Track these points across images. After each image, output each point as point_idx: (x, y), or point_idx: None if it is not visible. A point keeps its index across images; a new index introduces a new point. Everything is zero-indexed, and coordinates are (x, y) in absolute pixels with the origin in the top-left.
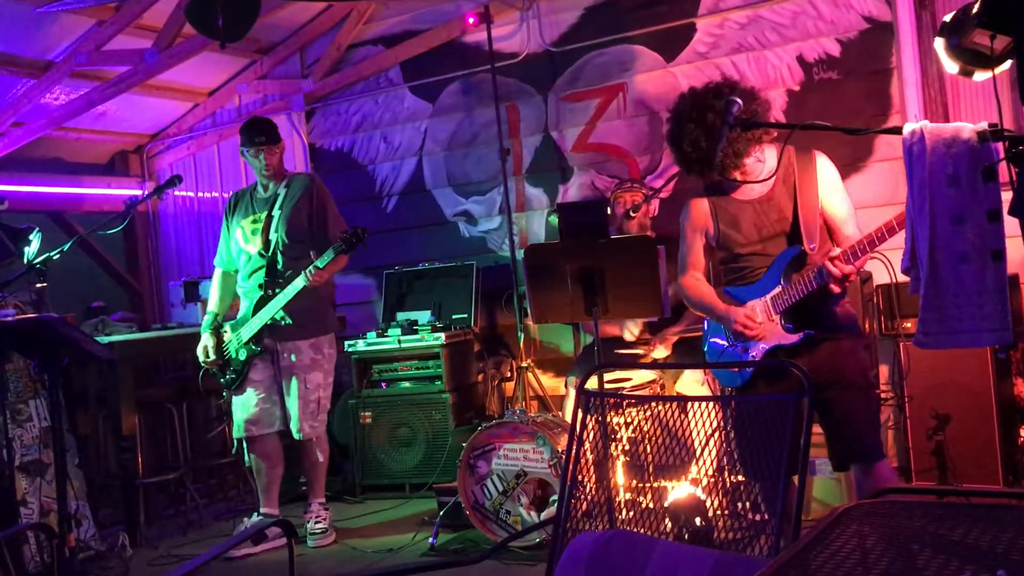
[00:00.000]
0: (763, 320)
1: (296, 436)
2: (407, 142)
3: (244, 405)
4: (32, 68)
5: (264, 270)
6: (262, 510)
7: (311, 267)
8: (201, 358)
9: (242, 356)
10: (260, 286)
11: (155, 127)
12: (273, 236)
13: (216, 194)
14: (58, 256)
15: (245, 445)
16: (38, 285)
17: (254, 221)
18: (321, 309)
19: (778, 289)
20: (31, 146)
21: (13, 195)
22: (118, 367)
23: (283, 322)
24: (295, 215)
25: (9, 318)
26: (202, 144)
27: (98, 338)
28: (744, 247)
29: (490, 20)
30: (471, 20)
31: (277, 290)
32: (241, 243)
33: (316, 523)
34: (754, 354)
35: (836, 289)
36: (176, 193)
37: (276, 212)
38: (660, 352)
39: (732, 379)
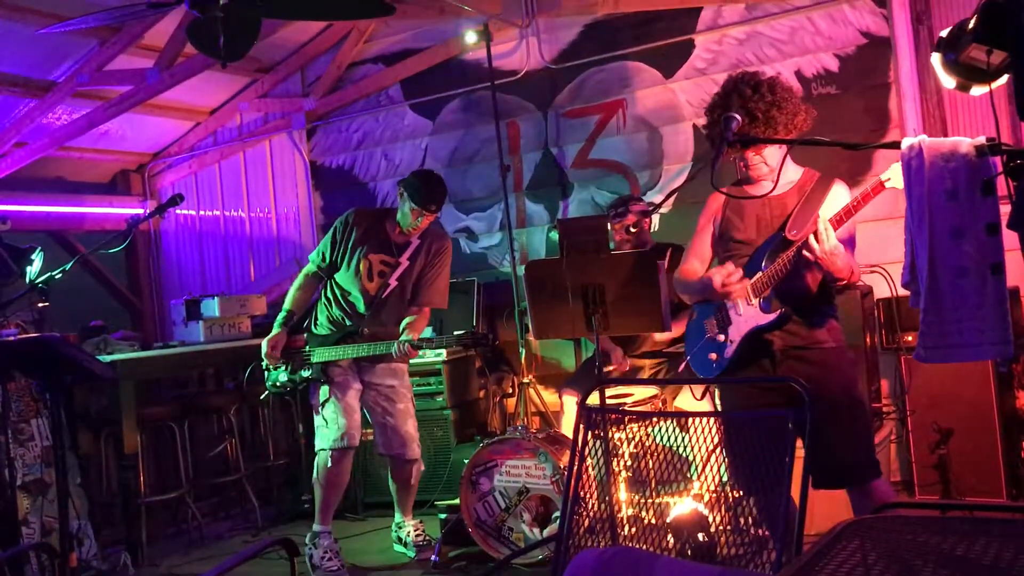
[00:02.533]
0: (742, 289)
1: (407, 456)
2: (408, 159)
3: (349, 411)
4: (34, 88)
5: (370, 312)
6: (322, 527)
7: (404, 341)
8: (266, 350)
9: (305, 373)
10: (358, 323)
11: (157, 146)
12: (395, 283)
13: (217, 212)
14: (60, 275)
15: (333, 455)
16: (40, 304)
17: (384, 263)
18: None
19: (759, 274)
20: (33, 166)
21: (15, 214)
22: (120, 386)
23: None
24: (418, 270)
25: (11, 337)
26: (203, 163)
27: (100, 357)
28: (741, 233)
29: (490, 38)
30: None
31: (375, 344)
32: (363, 276)
33: (418, 536)
34: (733, 339)
35: (816, 250)
36: (178, 212)
37: (407, 262)
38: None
39: (707, 369)
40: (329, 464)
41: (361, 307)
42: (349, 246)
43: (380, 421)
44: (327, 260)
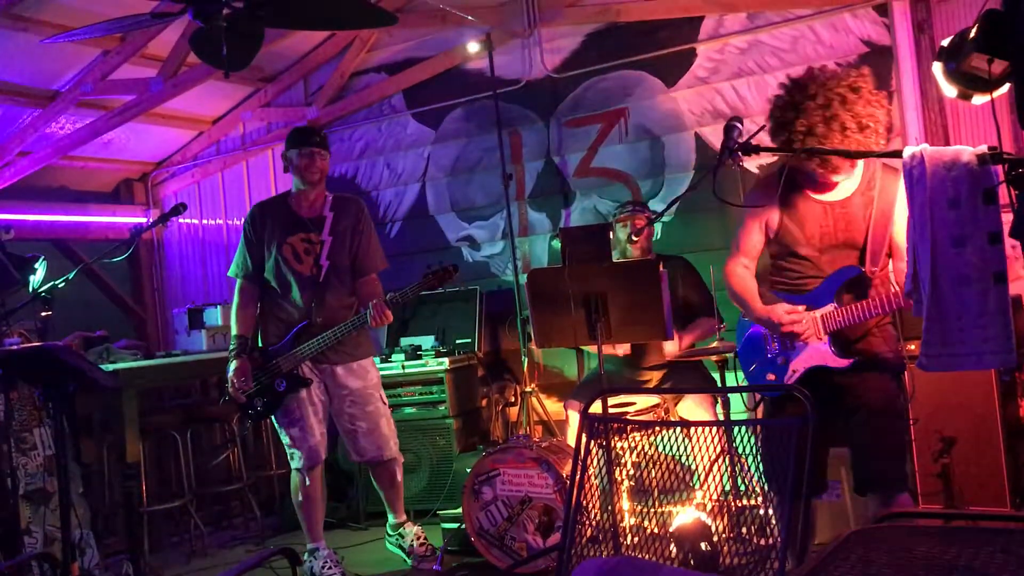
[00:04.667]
0: (811, 332)
1: (384, 457)
2: (410, 168)
3: (311, 430)
4: (38, 98)
5: (315, 298)
6: (315, 544)
7: (375, 303)
8: (235, 385)
9: (281, 388)
10: (308, 314)
11: (160, 155)
12: (327, 263)
13: (220, 221)
14: (63, 284)
15: (307, 475)
16: (43, 314)
17: (306, 240)
18: (367, 329)
19: (831, 307)
20: (37, 175)
21: (19, 223)
22: (122, 394)
23: (342, 345)
24: (348, 242)
25: (14, 346)
26: (206, 172)
27: (102, 366)
28: (802, 247)
29: (492, 47)
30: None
31: (343, 324)
32: (292, 262)
33: (421, 545)
34: (796, 369)
35: None
36: (180, 221)
37: (329, 237)
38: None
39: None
40: (305, 482)
41: (299, 300)
42: (265, 239)
43: (349, 428)
44: (251, 264)
